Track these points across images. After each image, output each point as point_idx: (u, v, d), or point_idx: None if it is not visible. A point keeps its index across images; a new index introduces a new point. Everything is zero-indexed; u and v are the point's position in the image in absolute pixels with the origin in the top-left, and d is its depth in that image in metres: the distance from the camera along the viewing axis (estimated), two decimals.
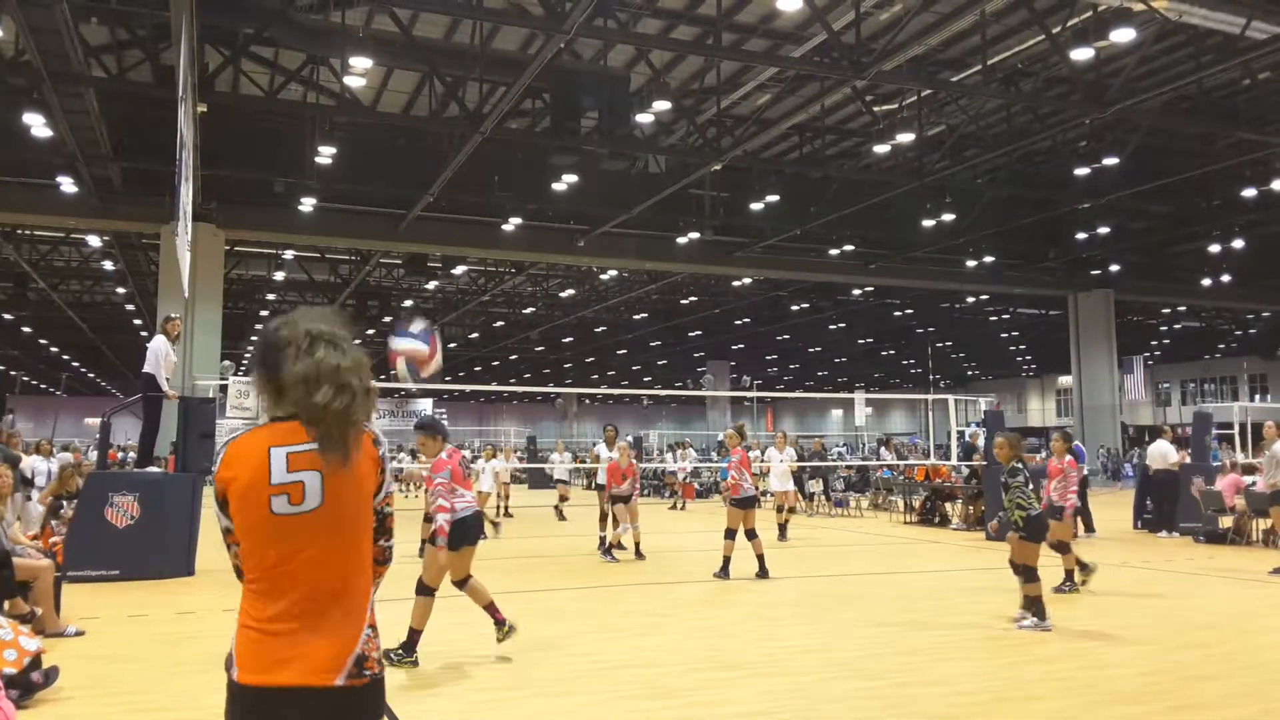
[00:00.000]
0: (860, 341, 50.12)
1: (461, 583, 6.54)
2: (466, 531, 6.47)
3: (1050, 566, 9.03)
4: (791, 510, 16.09)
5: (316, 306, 2.35)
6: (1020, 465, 8.07)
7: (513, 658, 6.60)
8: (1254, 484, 13.92)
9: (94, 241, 27.04)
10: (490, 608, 6.53)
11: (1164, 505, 15.40)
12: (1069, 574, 9.54)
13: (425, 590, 6.39)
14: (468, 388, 58.09)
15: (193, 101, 13.82)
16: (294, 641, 2.08)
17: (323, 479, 2.12)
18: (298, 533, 2.11)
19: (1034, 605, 7.68)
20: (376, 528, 2.26)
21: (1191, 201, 23.29)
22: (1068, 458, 9.94)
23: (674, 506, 23.50)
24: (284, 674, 2.06)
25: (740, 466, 10.76)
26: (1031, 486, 8.08)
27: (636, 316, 41.14)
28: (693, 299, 37.23)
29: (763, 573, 10.52)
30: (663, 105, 17.72)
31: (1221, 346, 51.68)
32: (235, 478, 2.13)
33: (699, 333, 45.51)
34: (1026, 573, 7.74)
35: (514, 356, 54.75)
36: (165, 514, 10.54)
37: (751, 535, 10.69)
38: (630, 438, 13.20)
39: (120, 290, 33.64)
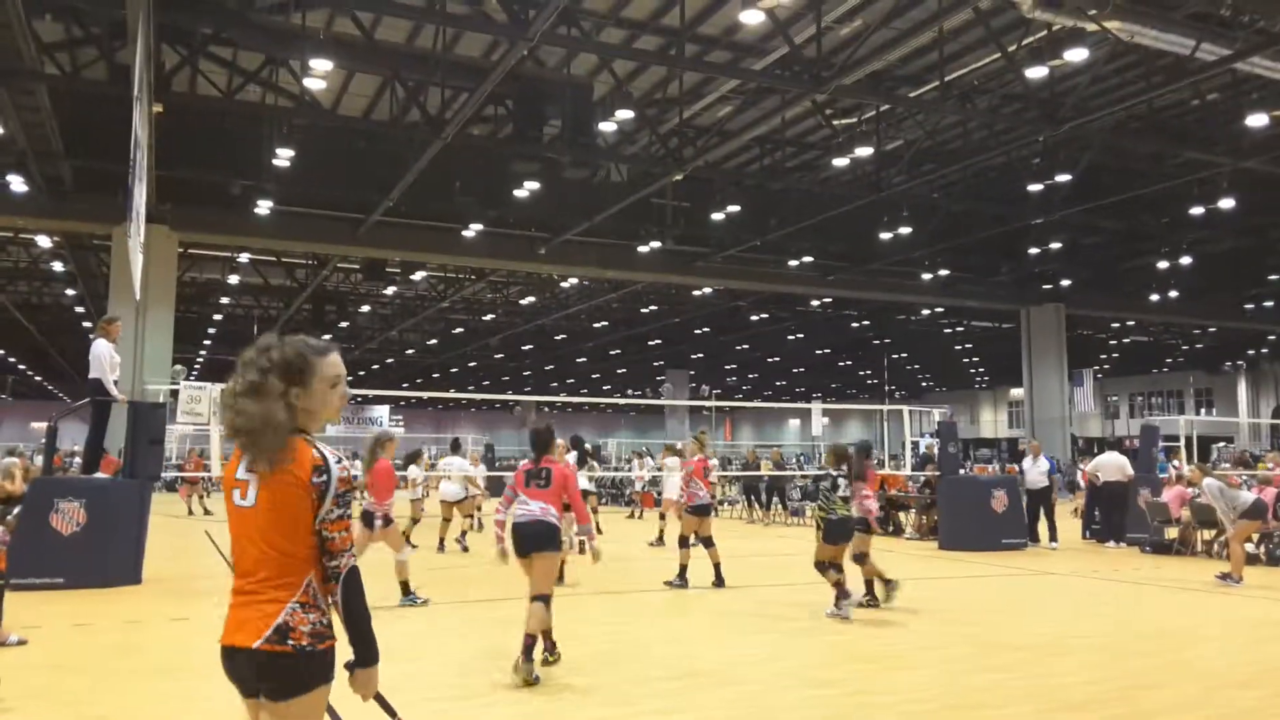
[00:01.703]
0: (818, 352, 50.49)
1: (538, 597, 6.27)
2: (515, 538, 6.38)
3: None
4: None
5: (270, 335, 2.71)
6: (835, 474, 8.63)
7: (469, 666, 6.56)
8: (1198, 495, 14.24)
9: (44, 242, 26.45)
10: (531, 638, 6.13)
11: (1112, 516, 15.69)
12: (869, 585, 9.31)
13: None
14: (425, 394, 57.49)
15: (148, 101, 13.60)
16: (238, 612, 2.55)
17: (258, 484, 2.55)
18: (242, 523, 2.59)
19: (839, 590, 8.53)
20: (320, 546, 2.57)
21: (1141, 219, 23.77)
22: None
23: (631, 515, 23.52)
24: (229, 636, 2.54)
25: (694, 475, 10.78)
26: (840, 494, 8.57)
27: (597, 325, 41.10)
28: (653, 308, 37.29)
29: (719, 581, 10.54)
30: (626, 114, 17.75)
31: (1169, 361, 52.74)
32: (225, 470, 2.66)
33: (659, 342, 45.57)
34: (821, 568, 8.61)
35: (473, 364, 54.41)
36: (113, 521, 10.33)
37: (708, 543, 10.72)
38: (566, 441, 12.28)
39: (70, 292, 32.92)
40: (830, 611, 8.52)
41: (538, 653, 6.19)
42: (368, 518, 9.12)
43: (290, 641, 2.47)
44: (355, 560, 2.60)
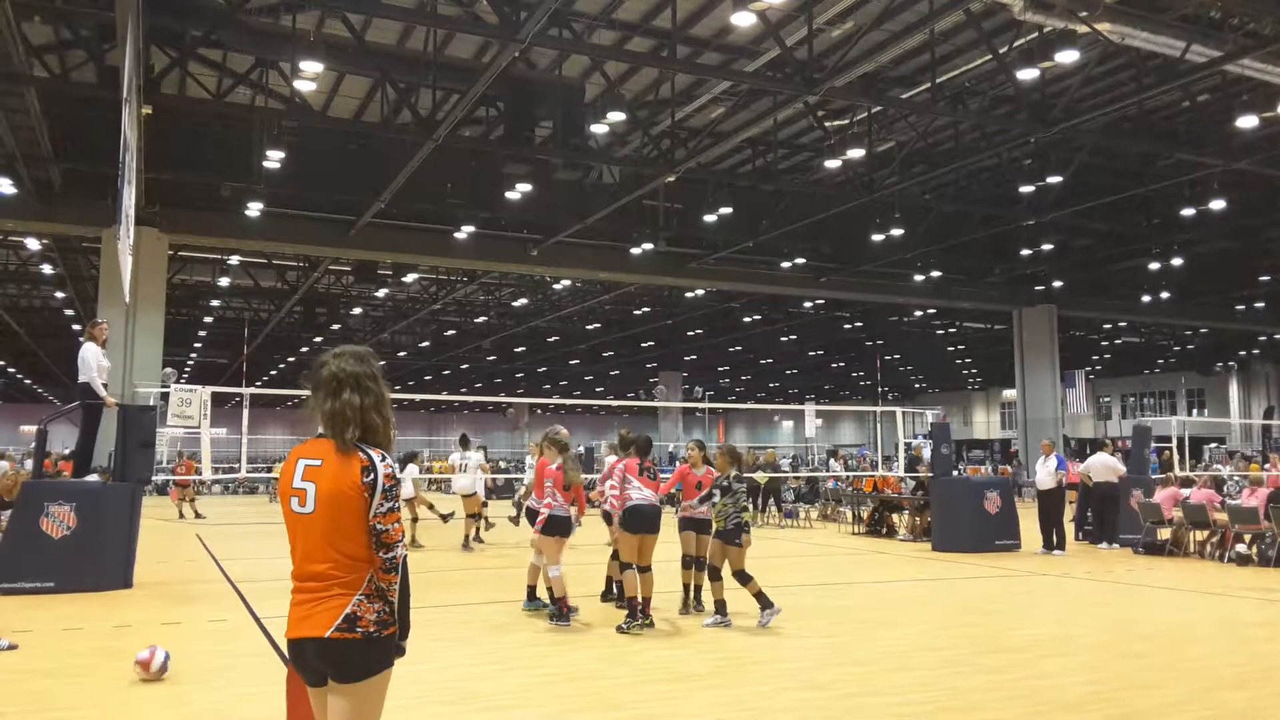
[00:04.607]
0: (811, 353, 50.50)
1: (626, 566, 8.01)
2: (636, 518, 8.01)
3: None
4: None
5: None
6: (731, 477, 8.26)
7: (457, 671, 6.53)
8: (1189, 497, 14.28)
9: (33, 244, 26.35)
10: (644, 600, 7.94)
11: (1104, 517, 15.70)
12: (691, 590, 9.03)
13: (626, 565, 8.01)
14: (417, 397, 57.29)
15: (137, 103, 13.56)
16: (304, 608, 2.82)
17: (317, 490, 2.80)
18: (302, 529, 2.84)
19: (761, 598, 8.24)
20: (374, 541, 2.83)
21: (1132, 220, 23.85)
22: (705, 469, 8.69)
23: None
24: (298, 629, 2.82)
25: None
26: (737, 499, 8.23)
27: (589, 326, 41.05)
28: (646, 309, 37.26)
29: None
30: (617, 116, 17.72)
31: (1160, 362, 52.88)
32: (281, 477, 2.90)
33: (651, 343, 45.53)
34: (727, 575, 8.26)
35: (465, 366, 54.29)
36: (103, 525, 10.27)
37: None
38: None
39: (59, 295, 32.76)
40: (764, 620, 8.16)
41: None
42: (545, 519, 8.35)
43: (359, 629, 2.79)
44: (407, 551, 2.93)
